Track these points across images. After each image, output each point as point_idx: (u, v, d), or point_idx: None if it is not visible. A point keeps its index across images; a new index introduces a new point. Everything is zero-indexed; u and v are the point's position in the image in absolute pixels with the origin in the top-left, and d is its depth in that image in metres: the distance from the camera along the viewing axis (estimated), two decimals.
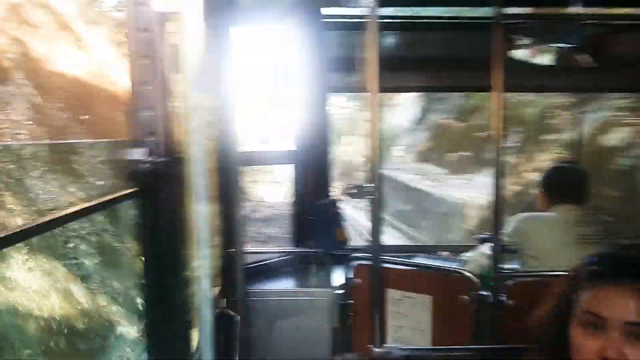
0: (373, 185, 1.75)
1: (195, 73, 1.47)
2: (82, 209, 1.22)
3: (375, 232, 1.88)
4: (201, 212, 1.47)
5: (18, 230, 0.93)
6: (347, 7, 2.93)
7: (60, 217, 1.11)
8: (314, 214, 2.82)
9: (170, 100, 1.38)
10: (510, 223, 2.41)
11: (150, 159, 1.29)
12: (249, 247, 2.72)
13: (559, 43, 2.98)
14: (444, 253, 2.99)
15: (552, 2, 3.19)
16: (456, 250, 3.02)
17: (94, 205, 1.29)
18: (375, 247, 1.90)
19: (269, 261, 2.74)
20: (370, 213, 1.85)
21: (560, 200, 2.37)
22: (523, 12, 3.00)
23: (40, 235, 1.40)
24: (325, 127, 3.02)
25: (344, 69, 3.02)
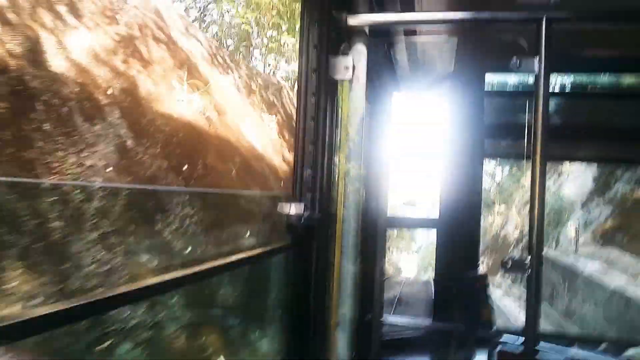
0: (532, 260, 1.57)
1: (357, 138, 1.54)
2: (238, 260, 1.29)
3: (531, 316, 1.66)
4: (349, 270, 1.48)
5: (171, 278, 1.00)
6: (511, 72, 2.83)
7: (213, 267, 1.19)
8: (458, 287, 2.63)
9: (330, 161, 1.45)
10: None
11: (306, 214, 1.35)
12: (386, 316, 2.64)
13: None
14: (603, 345, 2.53)
15: None
16: (618, 343, 2.54)
17: (249, 257, 1.36)
18: (530, 334, 1.68)
19: (406, 334, 2.60)
20: (526, 293, 1.66)
21: None
22: None
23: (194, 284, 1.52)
24: (475, 195, 2.87)
25: (503, 135, 2.89)
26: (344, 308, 1.47)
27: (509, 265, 1.49)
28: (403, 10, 1.84)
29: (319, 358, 1.48)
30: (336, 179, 1.49)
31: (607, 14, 1.48)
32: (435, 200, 2.86)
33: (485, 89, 2.82)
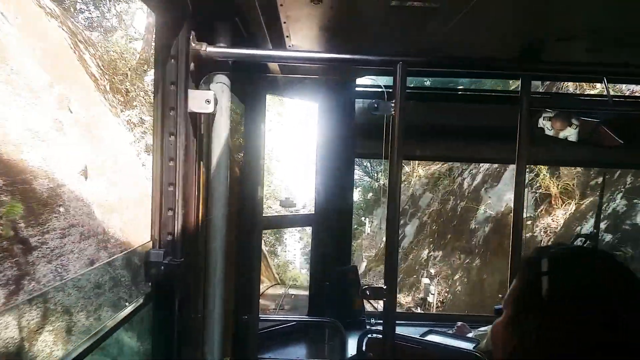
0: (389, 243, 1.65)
1: (222, 171, 1.52)
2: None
3: (389, 301, 1.75)
4: (217, 308, 1.49)
5: None
6: (378, 76, 2.98)
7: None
8: (330, 280, 2.80)
9: (192, 199, 1.42)
10: None
11: (167, 259, 1.32)
12: (263, 314, 2.73)
13: (585, 117, 2.95)
14: (459, 323, 2.91)
15: (582, 79, 3.18)
16: (474, 321, 2.95)
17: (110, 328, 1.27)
18: (389, 320, 1.79)
19: (281, 327, 2.72)
20: (384, 277, 1.75)
21: None
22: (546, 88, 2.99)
23: None
24: (347, 192, 3.04)
25: (371, 136, 3.06)
26: (211, 350, 1.49)
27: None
28: (274, 45, 1.84)
29: None
30: (199, 217, 1.47)
31: (457, 60, 1.64)
32: (311, 201, 2.97)
33: (356, 92, 2.95)
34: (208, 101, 1.42)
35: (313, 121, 3.04)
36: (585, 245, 3.29)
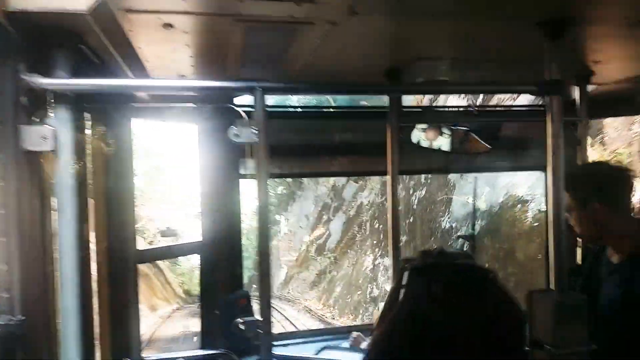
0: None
1: (69, 210, 1.38)
2: None
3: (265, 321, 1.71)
4: None
5: None
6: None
7: None
8: (220, 309, 2.70)
9: (35, 248, 1.27)
10: None
11: (2, 321, 1.16)
12: (148, 355, 2.54)
13: (454, 127, 3.21)
14: (355, 334, 2.96)
15: (447, 92, 3.45)
16: (368, 330, 3.02)
17: None
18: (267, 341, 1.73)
19: None
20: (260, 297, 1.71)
21: None
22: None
23: None
24: (234, 214, 2.97)
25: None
26: None
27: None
28: (134, 70, 1.74)
29: None
30: (44, 268, 1.32)
31: (317, 85, 1.68)
32: (196, 228, 2.85)
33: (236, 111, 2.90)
34: (45, 137, 1.28)
35: (193, 144, 2.93)
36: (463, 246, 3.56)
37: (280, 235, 17.39)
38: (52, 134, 1.30)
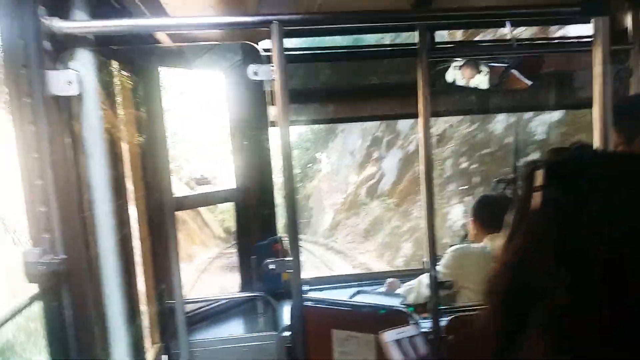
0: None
1: (98, 153, 1.41)
2: None
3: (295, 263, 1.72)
4: (115, 302, 1.41)
5: None
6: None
7: None
8: (255, 254, 2.77)
9: (68, 189, 1.31)
10: (445, 256, 2.43)
11: (46, 259, 1.21)
12: (189, 297, 2.66)
13: (492, 63, 3.03)
14: (390, 280, 2.97)
15: (485, 24, 3.25)
16: (403, 276, 3.03)
17: None
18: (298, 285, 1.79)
19: (210, 307, 2.67)
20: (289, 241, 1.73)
21: (492, 230, 2.41)
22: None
23: None
24: (265, 162, 2.98)
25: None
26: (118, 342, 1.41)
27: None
28: (151, 12, 1.70)
29: None
30: (82, 210, 1.36)
31: (340, 15, 1.58)
32: (229, 175, 2.89)
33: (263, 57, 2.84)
34: (70, 82, 1.29)
35: (222, 92, 2.91)
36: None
37: (321, 176, 15.30)
38: (77, 78, 1.31)
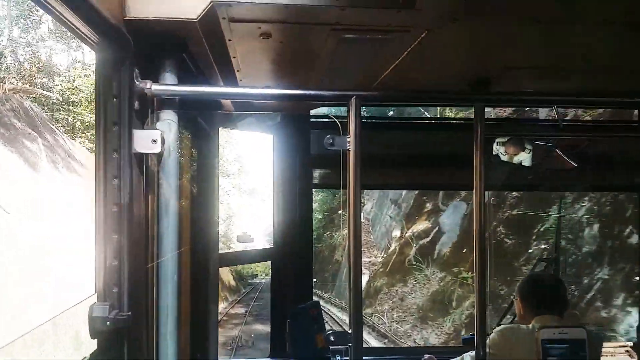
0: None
1: (172, 212, 1.43)
2: None
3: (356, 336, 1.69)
4: None
5: None
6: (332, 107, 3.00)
7: None
8: (291, 318, 2.69)
9: (139, 247, 1.32)
10: (491, 336, 2.33)
11: (113, 314, 1.21)
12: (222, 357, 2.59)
13: (538, 142, 3.05)
14: (426, 357, 2.85)
15: (533, 102, 3.31)
16: (442, 353, 2.90)
17: None
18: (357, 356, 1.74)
19: None
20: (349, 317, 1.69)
21: (539, 312, 2.31)
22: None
23: None
24: (306, 224, 2.98)
25: (328, 166, 3.04)
26: None
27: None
28: (224, 79, 1.80)
29: None
30: (147, 264, 1.37)
31: (411, 93, 1.65)
32: (269, 234, 2.89)
33: (311, 123, 2.94)
34: (155, 141, 1.34)
35: (268, 154, 2.98)
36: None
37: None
38: (161, 137, 1.36)
